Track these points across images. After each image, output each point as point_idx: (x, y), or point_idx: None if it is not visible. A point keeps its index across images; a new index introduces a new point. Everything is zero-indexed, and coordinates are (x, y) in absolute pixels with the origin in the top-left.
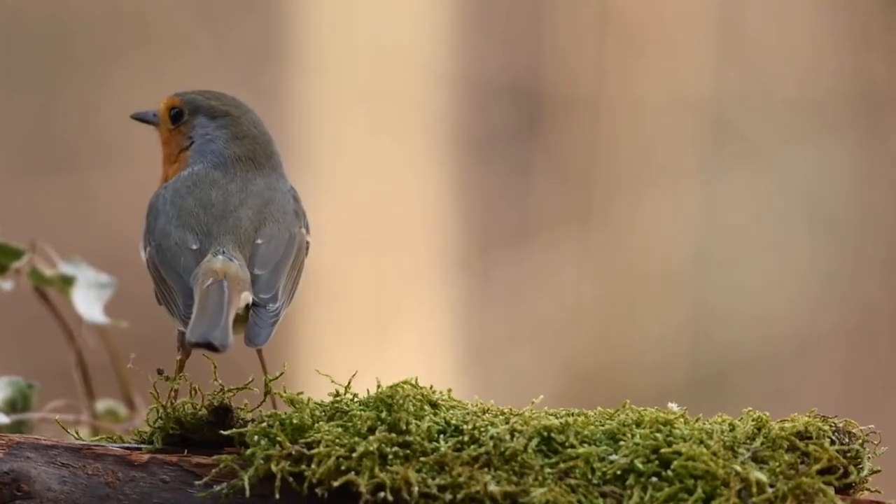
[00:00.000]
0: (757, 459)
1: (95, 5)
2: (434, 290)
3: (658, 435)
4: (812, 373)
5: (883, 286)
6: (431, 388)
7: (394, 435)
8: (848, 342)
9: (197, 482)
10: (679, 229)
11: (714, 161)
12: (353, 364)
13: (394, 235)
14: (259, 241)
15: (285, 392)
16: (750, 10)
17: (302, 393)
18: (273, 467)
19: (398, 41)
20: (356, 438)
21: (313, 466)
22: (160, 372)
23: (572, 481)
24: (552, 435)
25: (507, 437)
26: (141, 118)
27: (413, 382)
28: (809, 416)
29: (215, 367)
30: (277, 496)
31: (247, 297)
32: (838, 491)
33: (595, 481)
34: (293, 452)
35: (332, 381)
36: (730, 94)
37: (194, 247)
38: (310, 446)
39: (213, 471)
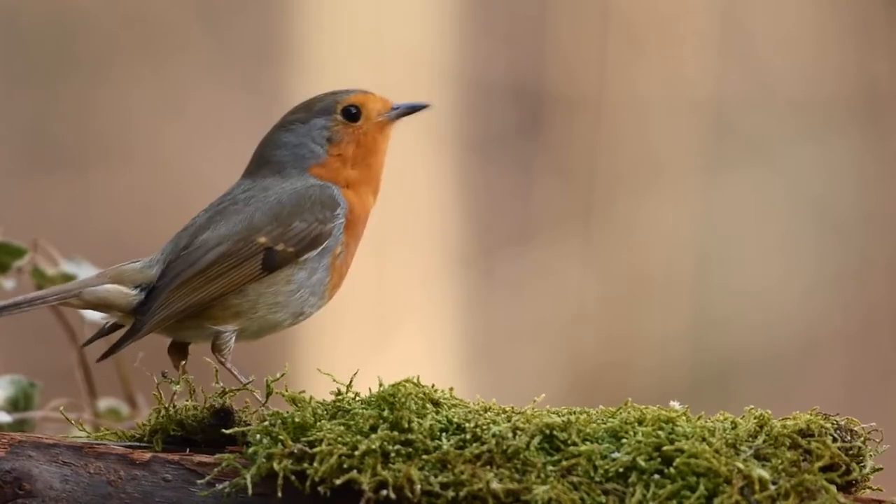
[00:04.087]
0: (759, 457)
1: (95, 5)
2: (436, 288)
3: (660, 433)
4: (815, 373)
5: (887, 287)
6: (433, 386)
7: (396, 433)
8: (851, 342)
9: (199, 481)
10: (682, 229)
11: (716, 161)
12: (355, 363)
13: (397, 234)
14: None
15: (287, 391)
16: (752, 10)
17: (304, 392)
18: (275, 466)
19: (400, 41)
20: (358, 437)
21: (315, 465)
22: (164, 374)
23: (575, 479)
24: (554, 433)
25: (510, 434)
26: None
27: (415, 381)
28: (811, 414)
29: (217, 368)
30: (280, 494)
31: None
32: (840, 488)
33: (597, 479)
34: (295, 451)
35: (334, 381)
36: (732, 93)
37: None
38: (312, 445)
39: (216, 469)
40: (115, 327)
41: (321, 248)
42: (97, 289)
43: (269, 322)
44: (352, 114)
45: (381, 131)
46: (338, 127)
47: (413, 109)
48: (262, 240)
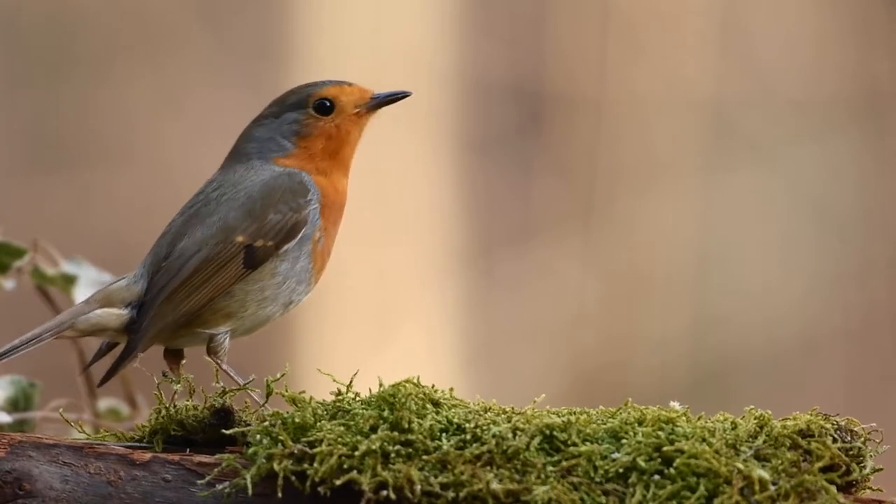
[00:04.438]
0: (759, 457)
1: (95, 4)
2: (437, 288)
3: (660, 433)
4: (815, 373)
5: (887, 287)
6: (433, 386)
7: (396, 433)
8: (851, 342)
9: (199, 481)
10: (682, 228)
11: (717, 160)
12: (355, 363)
13: (397, 234)
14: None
15: (287, 391)
16: (753, 10)
17: (304, 392)
18: (275, 466)
19: (400, 41)
20: (358, 437)
21: (315, 465)
22: (165, 374)
23: (575, 479)
24: (554, 433)
25: (510, 435)
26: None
27: (415, 381)
28: (811, 415)
29: (217, 369)
30: (280, 495)
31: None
32: (840, 489)
33: (597, 479)
34: (295, 451)
35: (334, 381)
36: (732, 93)
37: None
38: (312, 445)
39: (216, 470)
40: (112, 345)
41: (299, 236)
42: (89, 316)
43: (260, 317)
44: (325, 107)
45: (356, 123)
46: (309, 121)
47: (392, 98)
48: (240, 238)
